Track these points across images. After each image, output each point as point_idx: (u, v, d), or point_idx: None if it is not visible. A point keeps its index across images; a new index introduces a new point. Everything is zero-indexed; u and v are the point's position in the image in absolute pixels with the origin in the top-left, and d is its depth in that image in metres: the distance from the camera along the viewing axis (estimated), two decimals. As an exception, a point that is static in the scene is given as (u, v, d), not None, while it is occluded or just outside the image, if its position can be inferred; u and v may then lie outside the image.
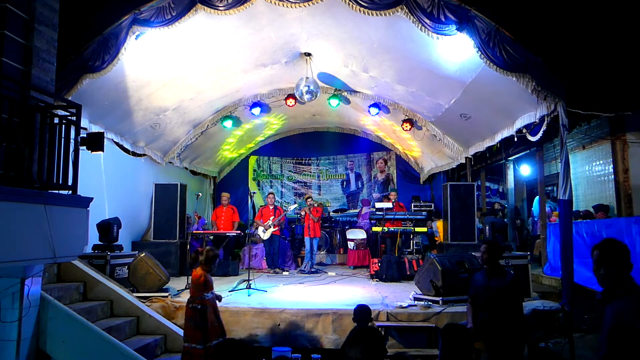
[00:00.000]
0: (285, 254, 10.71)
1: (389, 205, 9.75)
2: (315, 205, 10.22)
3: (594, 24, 7.29)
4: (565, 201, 5.87)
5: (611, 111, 7.33)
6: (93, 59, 5.88)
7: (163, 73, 7.54)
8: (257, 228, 9.71)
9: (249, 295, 6.55)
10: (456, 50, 6.45)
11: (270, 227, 9.58)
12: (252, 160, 13.87)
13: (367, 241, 11.04)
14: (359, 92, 9.58)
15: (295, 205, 10.96)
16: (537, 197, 10.08)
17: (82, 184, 4.33)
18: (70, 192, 4.19)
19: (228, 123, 10.16)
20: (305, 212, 9.89)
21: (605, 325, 2.42)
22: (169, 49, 6.92)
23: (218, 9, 5.98)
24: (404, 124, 9.89)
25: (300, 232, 11.73)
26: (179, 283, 7.22)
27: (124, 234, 7.73)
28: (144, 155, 9.23)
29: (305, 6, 6.06)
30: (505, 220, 10.58)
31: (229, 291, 6.87)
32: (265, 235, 9.61)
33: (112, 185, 7.91)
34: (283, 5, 6.08)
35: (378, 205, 9.88)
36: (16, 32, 4.01)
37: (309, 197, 10.34)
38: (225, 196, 10.29)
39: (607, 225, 7.06)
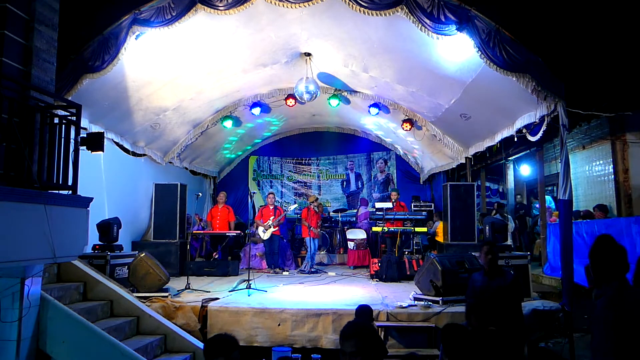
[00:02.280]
0: (285, 254, 10.71)
1: (389, 205, 9.74)
2: (314, 209, 10.01)
3: (594, 24, 7.29)
4: (565, 201, 5.87)
5: (611, 111, 7.34)
6: (93, 59, 5.88)
7: (163, 73, 7.54)
8: (257, 228, 9.71)
9: (249, 295, 6.55)
10: (456, 50, 6.45)
11: (270, 227, 9.58)
12: (252, 160, 13.87)
13: (367, 241, 11.03)
14: (359, 92, 9.58)
15: (295, 205, 10.95)
16: (546, 196, 10.06)
17: (82, 184, 4.32)
18: (70, 192, 4.19)
19: (228, 123, 10.16)
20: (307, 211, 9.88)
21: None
22: (169, 49, 6.91)
23: (218, 9, 5.99)
24: (404, 124, 9.89)
25: (300, 232, 11.76)
26: (179, 283, 7.22)
27: (124, 234, 7.72)
28: (144, 155, 9.24)
29: (305, 6, 6.06)
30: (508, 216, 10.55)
31: (229, 291, 6.87)
32: (265, 235, 9.60)
33: (112, 185, 7.90)
34: (283, 6, 6.08)
35: (378, 205, 9.88)
36: (16, 32, 4.01)
37: (315, 200, 10.23)
38: (222, 195, 10.31)
39: (607, 226, 7.06)
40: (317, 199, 10.50)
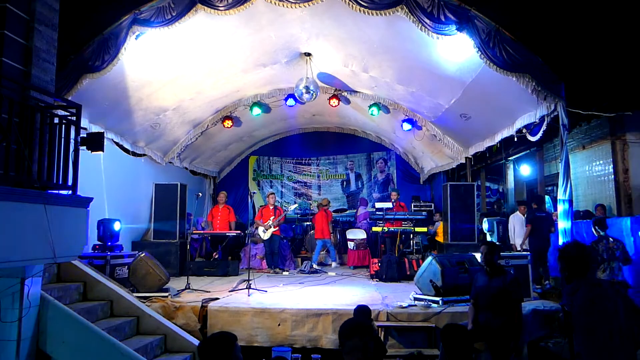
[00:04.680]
0: (285, 254, 10.72)
1: (389, 205, 9.75)
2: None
3: (594, 24, 7.29)
4: (565, 201, 5.87)
5: (611, 111, 7.35)
6: (93, 59, 5.89)
7: (163, 73, 7.54)
8: (257, 228, 9.71)
9: (249, 296, 6.55)
10: (456, 50, 6.45)
11: (270, 227, 9.58)
12: (252, 160, 13.87)
13: (367, 241, 11.04)
14: (359, 92, 9.58)
15: (296, 205, 10.95)
16: (546, 197, 10.04)
17: (82, 184, 4.33)
18: (70, 192, 4.19)
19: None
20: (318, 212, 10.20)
21: None
22: (169, 49, 6.91)
23: (218, 9, 5.99)
24: (404, 123, 9.92)
25: (299, 232, 11.79)
26: (179, 283, 7.22)
27: (124, 234, 7.73)
28: (144, 155, 9.24)
29: (305, 6, 6.07)
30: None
31: (229, 291, 6.87)
32: (265, 235, 9.61)
33: (112, 185, 7.90)
34: (283, 6, 6.08)
35: (378, 205, 9.88)
36: (16, 32, 4.01)
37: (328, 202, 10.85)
38: (222, 195, 10.30)
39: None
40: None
